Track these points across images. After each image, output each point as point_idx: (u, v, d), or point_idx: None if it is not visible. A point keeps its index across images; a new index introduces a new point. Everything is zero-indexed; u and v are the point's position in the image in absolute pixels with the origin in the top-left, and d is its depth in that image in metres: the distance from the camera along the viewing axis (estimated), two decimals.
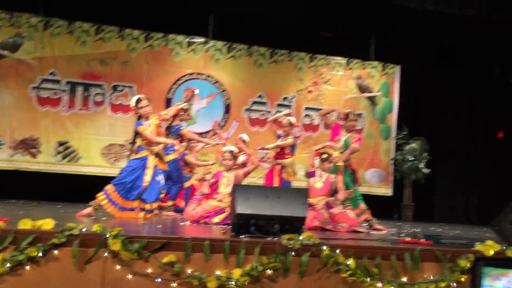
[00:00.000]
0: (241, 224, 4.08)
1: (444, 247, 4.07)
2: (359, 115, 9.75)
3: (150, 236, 3.66)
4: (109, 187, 5.52)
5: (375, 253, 3.90)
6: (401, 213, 9.58)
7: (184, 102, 6.51)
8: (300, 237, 3.83)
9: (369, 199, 9.28)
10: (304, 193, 4.26)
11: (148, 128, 5.63)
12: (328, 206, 5.64)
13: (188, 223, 5.38)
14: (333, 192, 5.79)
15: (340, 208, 5.66)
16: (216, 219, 5.44)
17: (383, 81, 9.88)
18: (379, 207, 9.16)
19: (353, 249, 3.91)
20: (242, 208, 4.05)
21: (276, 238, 3.90)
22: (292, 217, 4.12)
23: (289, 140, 6.66)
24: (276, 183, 6.51)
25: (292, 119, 6.86)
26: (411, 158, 9.42)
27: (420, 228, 7.09)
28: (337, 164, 5.79)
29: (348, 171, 6.10)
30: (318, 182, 5.72)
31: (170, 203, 6.67)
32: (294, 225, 4.12)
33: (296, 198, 4.19)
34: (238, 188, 4.17)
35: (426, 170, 9.42)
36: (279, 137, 6.81)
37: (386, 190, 9.85)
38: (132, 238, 3.58)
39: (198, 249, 3.65)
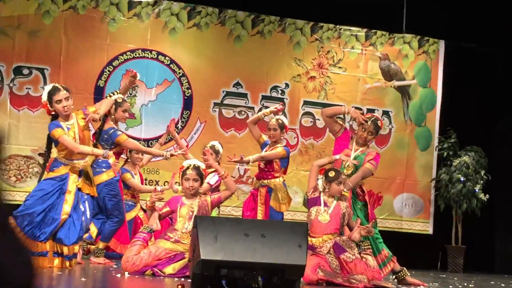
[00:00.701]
0: (206, 276, 4.14)
1: None
2: (386, 114, 9.90)
3: None
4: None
5: None
6: (447, 260, 9.73)
7: (122, 93, 6.55)
8: None
9: (398, 239, 9.57)
10: (302, 229, 4.35)
11: (68, 132, 5.67)
12: (338, 249, 5.74)
13: (127, 274, 5.42)
14: (343, 227, 5.88)
15: (356, 253, 5.75)
16: (170, 269, 5.51)
17: (420, 63, 10.08)
18: (414, 251, 9.37)
19: None
20: (208, 253, 4.12)
21: None
22: (283, 265, 4.20)
23: (279, 149, 6.75)
24: (260, 214, 6.57)
25: (284, 119, 6.94)
26: (462, 179, 9.60)
27: (473, 283, 7.22)
28: (342, 192, 5.90)
29: (358, 201, 6.23)
30: (322, 214, 5.82)
31: (101, 245, 6.71)
32: (287, 277, 4.20)
33: (290, 237, 4.28)
34: (202, 222, 4.24)
35: (484, 197, 9.59)
36: (264, 145, 6.88)
37: (424, 226, 10.00)
38: None
39: None
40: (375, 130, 6.25)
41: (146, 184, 8.22)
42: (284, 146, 6.82)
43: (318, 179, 5.90)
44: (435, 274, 8.66)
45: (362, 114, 6.39)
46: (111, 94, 6.37)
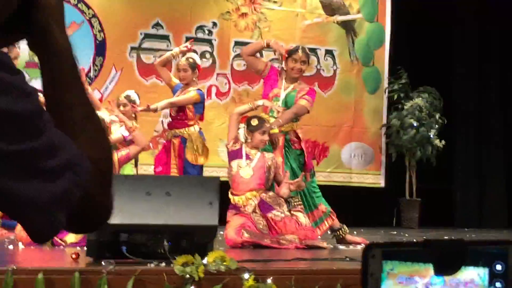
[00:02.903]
0: (103, 242, 4.07)
1: None
2: (329, 53, 9.81)
3: None
4: None
5: (335, 281, 3.96)
6: (401, 215, 9.76)
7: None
8: (205, 260, 3.86)
9: (348, 194, 9.57)
10: (213, 184, 4.27)
11: None
12: (265, 207, 5.64)
13: (21, 245, 5.28)
14: (272, 182, 5.81)
15: (285, 211, 5.65)
16: (72, 236, 5.37)
17: None
18: (366, 206, 9.38)
19: (300, 275, 3.97)
20: None
21: (164, 264, 3.94)
22: (192, 227, 4.17)
23: (191, 93, 6.58)
24: (174, 169, 6.47)
25: (196, 58, 6.81)
26: (414, 124, 9.58)
27: (424, 238, 7.24)
28: (270, 131, 5.82)
29: (293, 150, 6.14)
30: (245, 168, 5.73)
31: None
32: (197, 240, 4.15)
33: (199, 195, 4.22)
34: None
35: (439, 143, 9.60)
36: (175, 90, 6.75)
37: (376, 179, 10.02)
38: None
39: None
40: (307, 57, 6.25)
41: None
42: (197, 89, 6.68)
43: (239, 128, 5.81)
44: (386, 231, 8.68)
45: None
46: None
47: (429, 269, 0.95)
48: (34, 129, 0.90)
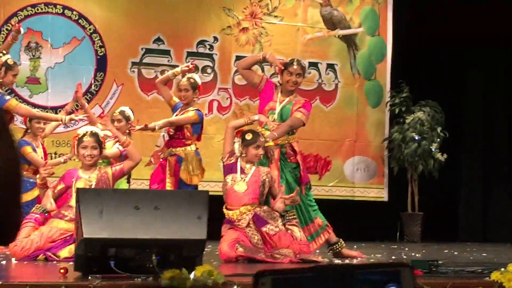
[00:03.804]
0: (91, 257, 4.03)
1: (440, 278, 4.20)
2: (331, 67, 9.82)
3: None
4: None
5: None
6: (403, 229, 9.73)
7: (4, 49, 6.34)
8: (192, 274, 3.80)
9: (351, 208, 9.56)
10: (201, 198, 4.24)
11: None
12: (259, 221, 5.63)
13: (14, 261, 5.27)
14: (267, 196, 5.80)
15: (280, 225, 5.66)
16: (66, 251, 5.36)
17: (367, 8, 9.99)
18: (369, 220, 9.35)
19: None
20: (92, 230, 4.00)
21: (151, 278, 3.90)
22: (180, 241, 4.12)
23: (190, 113, 6.57)
24: (169, 187, 6.46)
25: (197, 78, 6.81)
26: (416, 137, 9.57)
27: (423, 253, 7.23)
28: (266, 144, 5.82)
29: (289, 163, 6.13)
30: (239, 182, 5.72)
31: None
32: (185, 254, 4.11)
33: (188, 208, 4.17)
34: (84, 195, 4.11)
35: (441, 156, 9.58)
36: (175, 109, 6.76)
37: (379, 193, 10.00)
38: None
39: None
40: (302, 70, 6.24)
41: (51, 159, 8.02)
42: (197, 110, 6.68)
43: (234, 142, 5.80)
44: (387, 245, 8.65)
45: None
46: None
47: None
48: None
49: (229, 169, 5.80)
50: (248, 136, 5.74)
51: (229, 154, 5.83)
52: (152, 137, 8.74)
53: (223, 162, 5.88)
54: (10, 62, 6.32)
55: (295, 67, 6.15)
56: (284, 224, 5.71)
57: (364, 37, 9.97)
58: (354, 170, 9.94)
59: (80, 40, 8.91)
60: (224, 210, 5.75)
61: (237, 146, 5.77)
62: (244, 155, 5.75)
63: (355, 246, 7.02)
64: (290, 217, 5.77)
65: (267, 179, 5.78)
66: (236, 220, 5.64)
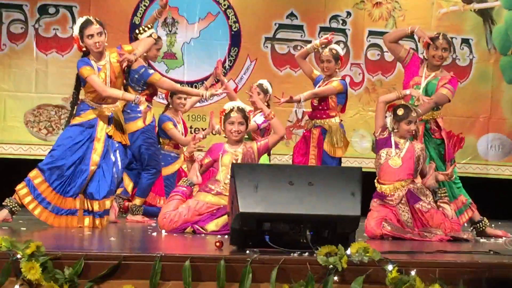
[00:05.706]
0: (246, 231, 4.11)
1: None
2: (466, 42, 9.63)
3: (93, 255, 3.68)
4: (35, 174, 5.58)
5: (480, 275, 3.94)
6: None
7: (149, 23, 6.46)
8: (348, 251, 3.86)
9: (484, 186, 9.35)
10: (355, 175, 4.25)
11: (99, 73, 5.65)
12: (412, 198, 5.64)
13: (164, 233, 5.43)
14: (418, 172, 5.77)
15: (432, 202, 5.64)
16: (213, 225, 5.49)
17: None
18: (503, 199, 9.16)
19: (444, 268, 3.92)
20: (248, 205, 4.06)
21: (307, 254, 3.94)
22: (335, 217, 4.13)
23: (334, 83, 6.63)
24: (312, 159, 6.51)
25: (339, 49, 6.82)
26: None
27: None
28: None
29: (433, 139, 6.08)
30: (394, 158, 5.70)
31: (138, 201, 6.73)
32: (339, 230, 4.14)
33: (342, 185, 4.19)
34: (240, 171, 4.18)
35: None
36: (317, 81, 6.78)
37: None
38: (60, 258, 3.61)
39: (174, 275, 3.67)
40: (449, 45, 6.15)
41: (192, 133, 8.18)
42: (341, 79, 6.70)
43: (386, 116, 5.77)
44: None
45: None
46: (141, 31, 6.26)
47: None
48: None
49: (382, 143, 5.79)
50: (400, 111, 5.71)
51: (381, 129, 5.81)
52: (284, 112, 8.83)
53: (375, 137, 5.86)
54: (154, 36, 6.48)
55: (441, 41, 6.09)
56: (435, 202, 5.68)
57: (501, 11, 9.71)
58: (488, 147, 9.75)
59: (215, 16, 9.04)
60: (376, 183, 5.75)
61: (388, 120, 5.76)
62: (396, 130, 5.73)
63: (492, 225, 6.87)
64: (441, 195, 5.75)
65: (421, 155, 5.76)
66: (390, 195, 5.64)
